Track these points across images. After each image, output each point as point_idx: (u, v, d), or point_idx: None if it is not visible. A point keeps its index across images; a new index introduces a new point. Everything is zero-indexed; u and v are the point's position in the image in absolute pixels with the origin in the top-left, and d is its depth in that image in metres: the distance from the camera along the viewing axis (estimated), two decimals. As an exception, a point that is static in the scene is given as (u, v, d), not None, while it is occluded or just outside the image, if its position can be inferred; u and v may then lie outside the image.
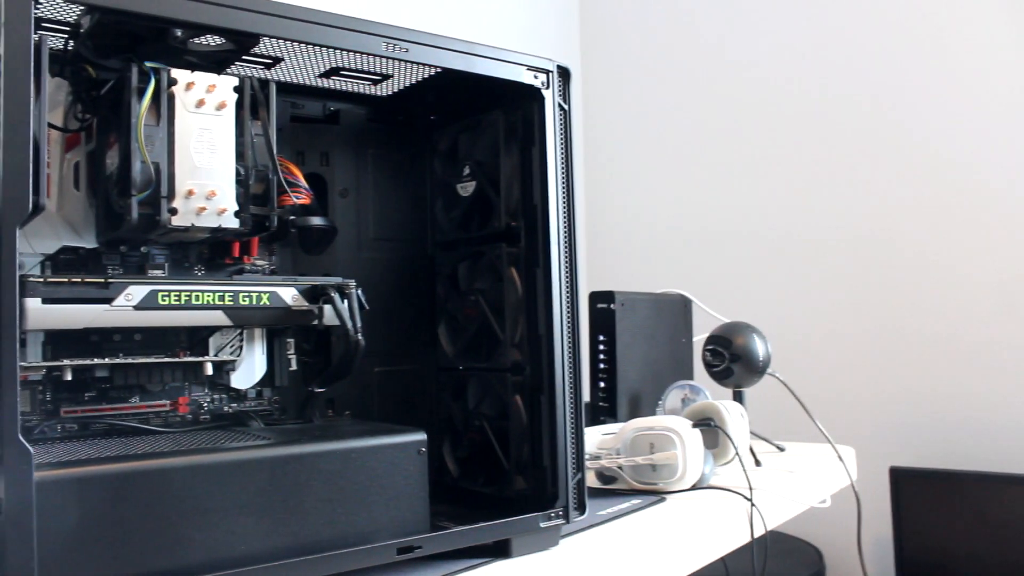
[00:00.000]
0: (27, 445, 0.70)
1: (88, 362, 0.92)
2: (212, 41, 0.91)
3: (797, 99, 2.72)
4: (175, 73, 0.87)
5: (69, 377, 0.91)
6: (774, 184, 2.76)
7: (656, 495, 1.32)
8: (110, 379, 0.96)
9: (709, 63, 2.92)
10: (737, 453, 1.44)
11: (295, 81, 1.10)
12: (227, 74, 0.92)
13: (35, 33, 0.73)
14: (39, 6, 0.80)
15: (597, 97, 3.11)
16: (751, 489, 1.30)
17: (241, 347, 1.02)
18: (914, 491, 2.35)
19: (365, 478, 0.90)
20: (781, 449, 1.77)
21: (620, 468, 1.35)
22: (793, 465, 1.61)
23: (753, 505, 1.27)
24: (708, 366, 1.74)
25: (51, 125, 0.90)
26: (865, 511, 1.62)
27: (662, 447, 1.32)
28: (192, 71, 0.88)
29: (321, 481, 0.88)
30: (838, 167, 2.64)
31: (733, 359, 1.69)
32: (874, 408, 2.55)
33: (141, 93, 0.85)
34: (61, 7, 0.83)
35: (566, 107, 1.08)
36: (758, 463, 1.59)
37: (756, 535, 1.26)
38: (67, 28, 0.89)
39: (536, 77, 1.05)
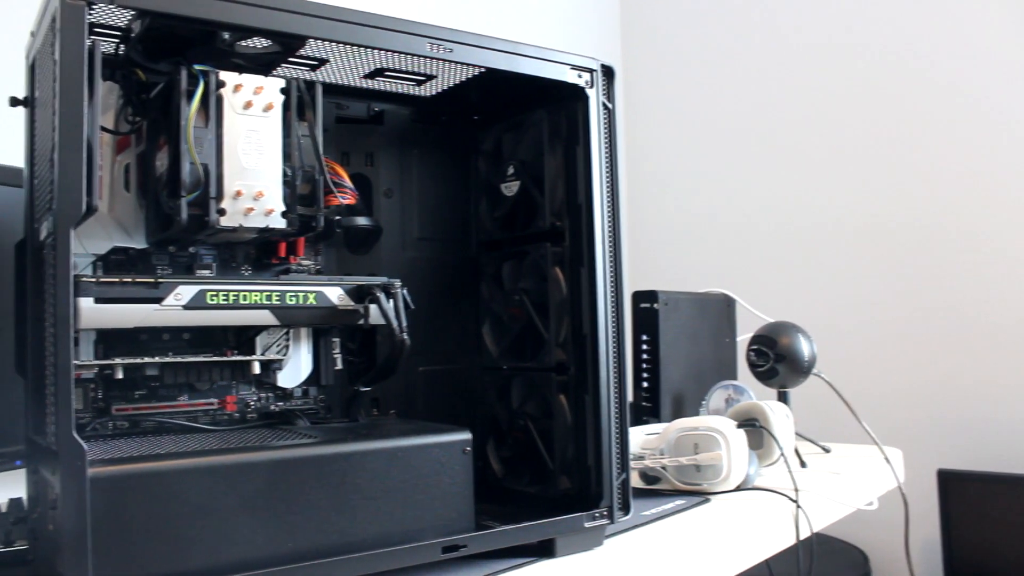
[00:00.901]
0: (81, 442, 0.72)
1: (139, 361, 0.93)
2: (259, 43, 0.93)
3: (840, 95, 2.69)
4: (223, 75, 0.88)
5: (120, 375, 0.92)
6: (818, 181, 2.73)
7: (700, 496, 1.32)
8: (160, 378, 0.97)
9: (750, 59, 2.89)
10: (782, 454, 1.42)
11: (340, 82, 1.11)
12: (274, 76, 0.94)
13: (88, 39, 0.74)
14: (92, 12, 0.81)
15: (638, 95, 3.10)
16: (796, 490, 1.28)
17: (287, 346, 1.03)
18: (963, 494, 2.31)
19: (410, 477, 0.91)
20: (826, 450, 1.75)
21: (664, 468, 1.34)
22: (839, 467, 1.60)
23: (799, 507, 1.26)
24: (752, 366, 1.73)
25: (103, 128, 0.91)
26: (912, 514, 1.59)
27: (706, 447, 1.31)
28: (240, 73, 0.89)
29: (367, 480, 0.88)
30: (883, 162, 2.61)
31: (778, 359, 1.68)
32: (921, 409, 2.52)
33: (190, 96, 0.86)
34: (113, 12, 0.84)
35: (610, 106, 1.08)
36: (803, 464, 1.58)
37: (802, 537, 1.25)
38: (118, 33, 0.90)
39: (580, 76, 1.05)
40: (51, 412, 0.75)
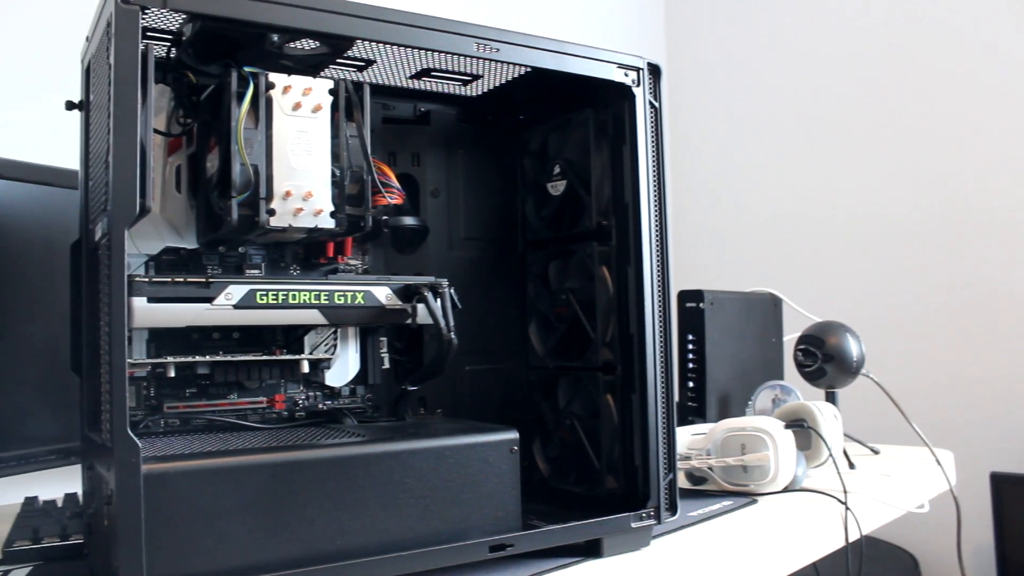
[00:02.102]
0: (135, 439, 0.73)
1: (191, 359, 0.95)
2: (307, 45, 0.93)
3: (888, 90, 2.65)
4: (272, 77, 0.89)
5: (172, 374, 0.93)
6: (866, 178, 2.69)
7: (747, 497, 1.31)
8: (210, 376, 0.98)
9: (795, 55, 2.86)
10: (831, 455, 1.41)
11: (386, 83, 1.11)
12: (322, 77, 0.94)
13: (141, 42, 0.75)
14: (145, 16, 0.82)
15: (683, 92, 3.08)
16: (845, 492, 1.27)
17: (335, 345, 1.04)
18: (1017, 498, 2.27)
19: (458, 476, 0.91)
20: (875, 452, 1.73)
21: (710, 469, 1.33)
22: (888, 468, 1.57)
23: (848, 508, 1.25)
24: (800, 366, 1.71)
25: (155, 130, 0.93)
26: (964, 518, 1.57)
27: (754, 448, 1.30)
28: (288, 75, 0.90)
29: (415, 478, 0.88)
30: (933, 159, 2.57)
31: (826, 359, 1.66)
32: (974, 410, 2.47)
33: (240, 97, 0.87)
34: (165, 16, 0.86)
35: (657, 104, 1.07)
36: (852, 466, 1.56)
37: (851, 539, 1.23)
38: (170, 36, 0.91)
39: (627, 75, 1.05)
40: (106, 410, 0.77)
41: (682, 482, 1.32)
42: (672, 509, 1.05)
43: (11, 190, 1.24)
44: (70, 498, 1.25)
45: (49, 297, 1.25)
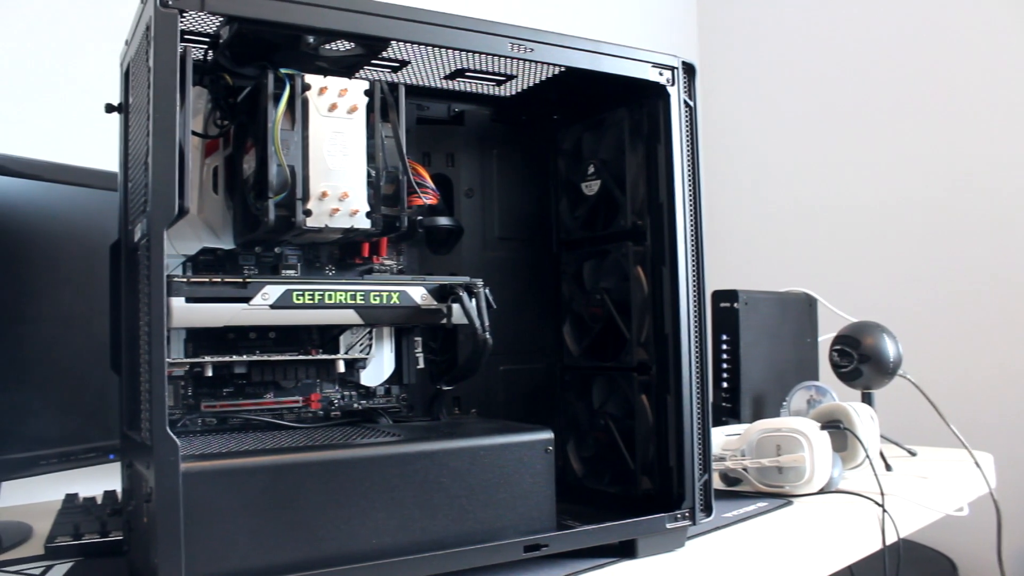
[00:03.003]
0: (174, 437, 0.73)
1: (229, 359, 0.95)
2: (342, 46, 0.94)
3: (922, 90, 2.62)
4: (308, 78, 0.89)
5: (210, 373, 0.94)
6: (901, 176, 2.66)
7: (782, 498, 1.30)
8: (247, 375, 0.99)
9: (830, 53, 2.84)
10: (867, 456, 1.39)
11: (421, 83, 1.12)
12: (357, 78, 0.95)
13: (180, 45, 0.76)
14: (183, 19, 0.83)
15: (716, 91, 3.06)
16: (882, 494, 1.25)
17: (370, 345, 1.04)
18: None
19: (493, 476, 0.91)
20: (912, 454, 1.71)
21: (745, 470, 1.32)
22: (926, 471, 1.55)
23: (885, 511, 1.23)
24: (835, 367, 1.69)
25: (193, 132, 0.93)
26: (1005, 521, 1.55)
27: (789, 449, 1.29)
28: (324, 76, 0.90)
29: (450, 478, 0.89)
30: (972, 155, 2.53)
31: (862, 360, 1.64)
32: (1013, 411, 2.43)
33: (277, 99, 0.87)
34: (202, 19, 0.87)
35: (692, 104, 1.07)
36: (889, 468, 1.54)
37: (888, 543, 1.22)
38: (207, 39, 0.92)
39: (661, 74, 1.05)
40: (145, 408, 0.78)
41: (716, 483, 1.32)
42: (707, 510, 1.04)
43: (51, 192, 1.25)
44: (109, 495, 1.26)
45: (88, 297, 1.26)
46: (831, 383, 1.71)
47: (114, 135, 0.98)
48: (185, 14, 0.80)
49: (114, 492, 1.26)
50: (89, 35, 1.59)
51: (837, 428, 1.41)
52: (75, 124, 1.52)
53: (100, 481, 1.38)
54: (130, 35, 0.91)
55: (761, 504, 1.26)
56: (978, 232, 2.51)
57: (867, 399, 1.71)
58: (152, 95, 0.75)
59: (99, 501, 1.25)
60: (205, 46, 0.93)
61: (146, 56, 0.78)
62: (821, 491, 1.31)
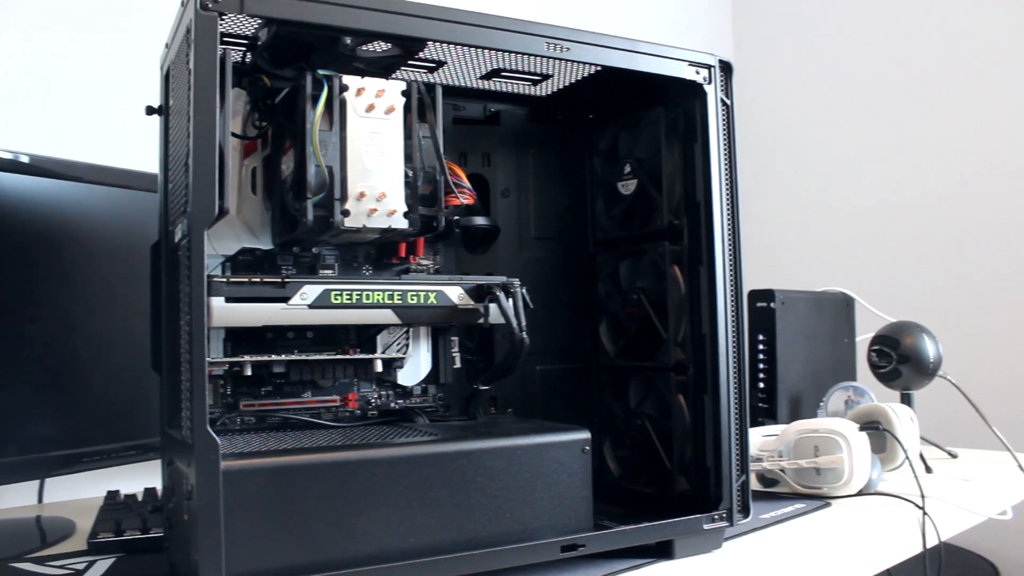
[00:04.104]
0: (215, 436, 0.74)
1: (268, 358, 0.96)
2: (379, 47, 0.94)
3: (963, 86, 2.59)
4: (346, 79, 0.90)
5: (249, 372, 0.95)
6: (940, 174, 2.62)
7: (820, 500, 1.29)
8: (285, 375, 0.99)
9: (864, 49, 2.81)
10: (907, 458, 1.38)
11: (457, 84, 1.12)
12: (393, 79, 0.95)
13: (219, 47, 0.77)
14: (223, 22, 0.84)
15: (751, 89, 3.04)
16: (923, 497, 1.24)
17: (407, 345, 1.05)
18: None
19: (530, 475, 0.91)
20: (953, 456, 1.69)
21: (783, 471, 1.31)
22: (967, 473, 1.53)
23: (925, 514, 1.22)
24: (874, 367, 1.68)
25: (232, 133, 0.94)
26: (1049, 524, 1.52)
27: (827, 450, 1.28)
28: (362, 77, 0.91)
29: (487, 477, 0.89)
30: (1011, 153, 2.49)
31: (901, 360, 1.62)
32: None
33: (315, 100, 0.88)
34: (241, 22, 0.87)
35: (728, 102, 1.06)
36: (929, 470, 1.52)
37: (928, 546, 1.20)
38: (245, 41, 0.93)
39: (698, 73, 1.04)
40: (185, 407, 0.78)
41: (753, 484, 1.31)
42: (744, 511, 1.04)
43: (92, 194, 1.27)
44: (149, 492, 1.28)
45: (128, 297, 1.28)
46: (869, 384, 1.69)
47: (154, 137, 0.99)
48: (224, 16, 0.81)
49: (154, 489, 1.28)
50: (129, 38, 1.61)
51: (876, 429, 1.40)
52: (115, 126, 1.54)
53: (140, 478, 1.40)
54: (170, 38, 0.92)
55: (799, 505, 1.25)
56: (1021, 230, 2.47)
57: (906, 400, 1.69)
58: (193, 97, 0.76)
59: (139, 498, 1.27)
60: (244, 48, 0.94)
61: (186, 58, 0.79)
62: (860, 493, 1.30)
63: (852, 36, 2.86)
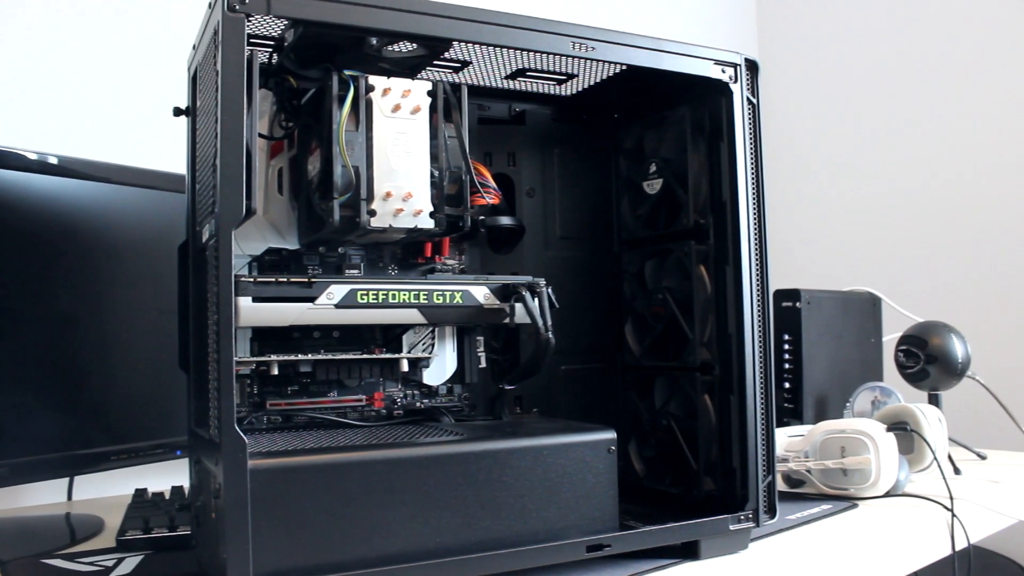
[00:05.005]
0: (242, 435, 0.75)
1: (295, 357, 0.97)
2: (405, 47, 0.94)
3: (990, 84, 2.56)
4: (372, 79, 0.90)
5: (275, 372, 0.95)
6: (967, 172, 2.60)
7: (847, 501, 1.28)
8: (312, 374, 1.00)
9: (891, 45, 2.78)
10: (935, 459, 1.37)
11: (482, 84, 1.12)
12: (419, 79, 0.95)
13: (246, 49, 0.77)
14: (249, 23, 0.84)
15: (776, 87, 3.02)
16: (951, 498, 1.23)
17: (433, 344, 1.05)
18: None
19: (555, 475, 0.91)
20: (982, 457, 1.67)
21: (809, 471, 1.31)
22: (997, 475, 1.52)
23: (954, 515, 1.20)
24: (901, 367, 1.66)
25: (259, 134, 0.95)
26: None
27: (854, 451, 1.27)
28: (387, 77, 0.91)
29: (513, 477, 0.89)
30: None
31: (929, 360, 1.61)
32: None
33: (341, 100, 0.88)
34: (268, 23, 0.88)
35: (755, 101, 1.06)
36: (957, 471, 1.51)
37: (957, 548, 1.19)
38: (272, 42, 0.93)
39: (724, 71, 1.03)
40: (213, 406, 0.79)
41: (779, 485, 1.30)
42: (771, 512, 1.03)
43: (120, 194, 1.28)
44: (176, 490, 1.29)
45: (156, 297, 1.29)
46: (896, 384, 1.68)
47: (181, 138, 1.00)
48: (251, 18, 0.82)
49: (181, 487, 1.28)
50: (157, 40, 1.62)
51: (904, 430, 1.39)
52: (143, 128, 1.55)
53: (167, 476, 1.41)
54: (197, 40, 0.93)
55: (825, 506, 1.24)
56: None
57: (934, 401, 1.68)
58: (220, 98, 0.76)
59: (167, 496, 1.28)
60: (270, 49, 0.95)
61: (214, 60, 0.79)
62: (887, 494, 1.29)
63: (877, 33, 2.83)
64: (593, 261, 1.24)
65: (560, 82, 1.14)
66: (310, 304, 0.91)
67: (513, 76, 1.10)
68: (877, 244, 2.77)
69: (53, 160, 1.20)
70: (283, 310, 0.90)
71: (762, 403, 1.03)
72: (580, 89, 1.17)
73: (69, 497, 1.43)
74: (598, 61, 1.01)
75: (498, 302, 0.99)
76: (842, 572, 1.02)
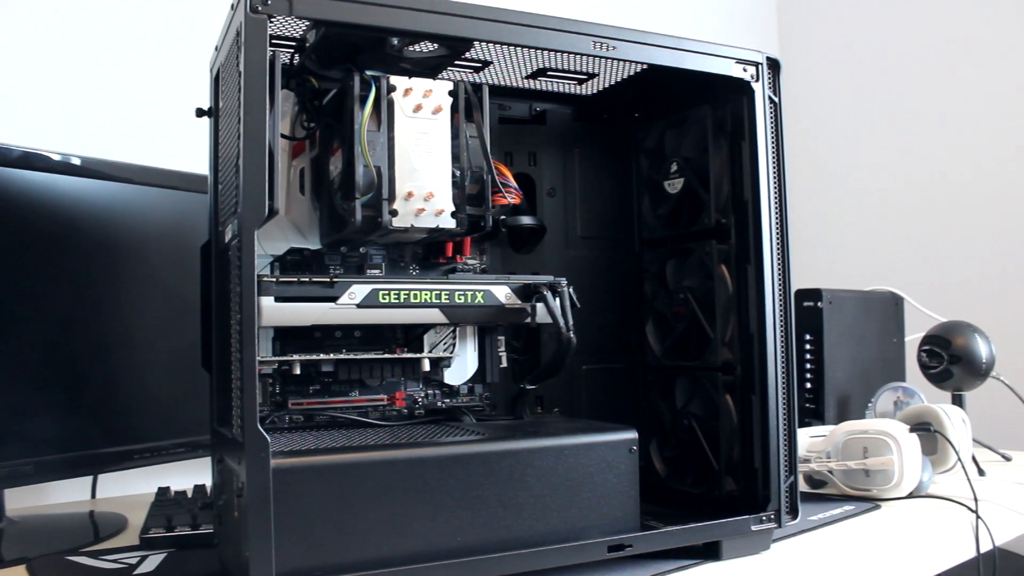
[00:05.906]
0: (265, 434, 0.75)
1: (317, 357, 0.97)
2: (426, 48, 0.95)
3: (1011, 82, 2.54)
4: (393, 80, 0.90)
5: (298, 371, 0.96)
6: (990, 171, 2.58)
7: (869, 502, 1.27)
8: (333, 374, 1.00)
9: (912, 43, 2.76)
10: (959, 460, 1.35)
11: (502, 83, 1.12)
12: (440, 79, 0.95)
13: (268, 49, 0.78)
14: (272, 24, 0.85)
15: (796, 86, 3.01)
16: (976, 500, 1.22)
17: (454, 344, 1.05)
18: None
19: (577, 475, 0.91)
20: (1007, 458, 1.65)
21: (831, 472, 1.30)
22: (1022, 476, 1.50)
23: (979, 517, 1.19)
24: (924, 368, 1.65)
25: (281, 135, 0.95)
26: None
27: (877, 452, 1.26)
28: (408, 77, 0.91)
29: (534, 477, 0.89)
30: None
31: (952, 360, 1.60)
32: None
33: (363, 100, 0.88)
34: (290, 24, 0.88)
35: (776, 100, 1.05)
36: (981, 472, 1.50)
37: (982, 551, 1.18)
38: (293, 43, 0.94)
39: (745, 70, 1.03)
40: (236, 406, 0.79)
41: (800, 485, 1.29)
42: (793, 512, 1.03)
43: (143, 195, 1.29)
44: (199, 489, 1.30)
45: (178, 297, 1.30)
46: (919, 384, 1.67)
47: (204, 138, 1.01)
48: (273, 19, 0.82)
49: (203, 486, 1.29)
50: (179, 41, 1.63)
51: (927, 431, 1.38)
52: (165, 128, 1.56)
53: (190, 475, 1.42)
54: (220, 41, 0.93)
55: (847, 507, 1.23)
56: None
57: (958, 401, 1.67)
58: (242, 99, 0.77)
59: (189, 494, 1.29)
60: (292, 50, 0.95)
61: (236, 61, 0.80)
62: (910, 495, 1.28)
63: (899, 30, 2.82)
64: (614, 261, 1.23)
65: (581, 82, 1.14)
66: (332, 304, 0.91)
67: (534, 76, 1.10)
68: (899, 243, 2.75)
69: (76, 161, 1.21)
70: (305, 310, 0.90)
71: (784, 403, 1.02)
72: (601, 88, 1.17)
73: (93, 495, 1.44)
74: (619, 60, 1.01)
75: (519, 302, 0.99)
76: (865, 574, 1.02)
